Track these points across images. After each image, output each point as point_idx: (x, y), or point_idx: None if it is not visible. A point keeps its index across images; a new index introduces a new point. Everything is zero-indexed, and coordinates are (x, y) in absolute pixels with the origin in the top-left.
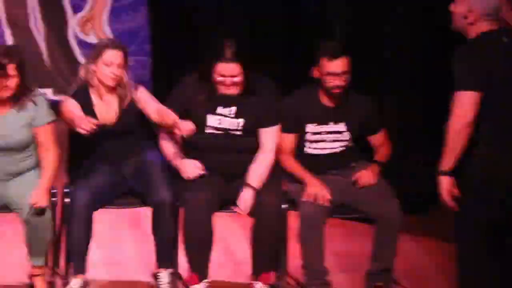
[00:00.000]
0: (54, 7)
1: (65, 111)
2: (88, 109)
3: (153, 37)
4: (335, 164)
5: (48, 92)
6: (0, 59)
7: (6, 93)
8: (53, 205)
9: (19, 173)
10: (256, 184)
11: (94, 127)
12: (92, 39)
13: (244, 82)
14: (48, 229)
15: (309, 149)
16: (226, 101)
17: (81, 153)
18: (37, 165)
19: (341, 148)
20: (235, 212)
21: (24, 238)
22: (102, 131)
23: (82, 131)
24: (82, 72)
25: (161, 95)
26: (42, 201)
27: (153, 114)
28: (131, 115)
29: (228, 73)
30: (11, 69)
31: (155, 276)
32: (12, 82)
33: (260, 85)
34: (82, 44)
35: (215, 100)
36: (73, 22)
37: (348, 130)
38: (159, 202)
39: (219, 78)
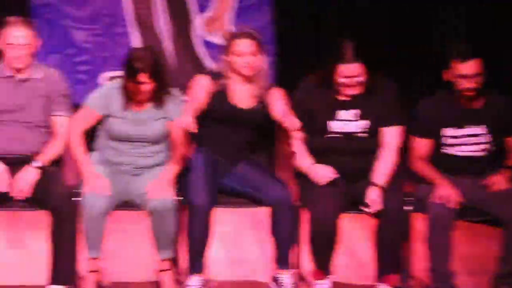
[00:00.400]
0: (179, 7)
1: (191, 89)
2: (223, 91)
3: (277, 37)
4: (472, 168)
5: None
6: (132, 64)
7: (142, 97)
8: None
9: (148, 168)
10: (382, 183)
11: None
12: (216, 39)
13: (365, 83)
14: (172, 221)
15: (447, 150)
16: (348, 105)
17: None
18: (167, 162)
19: (480, 152)
20: (362, 212)
21: (150, 232)
22: (229, 116)
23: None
24: (221, 65)
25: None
26: (162, 192)
27: (277, 114)
28: (263, 108)
29: (350, 74)
30: (143, 77)
31: (275, 279)
32: (146, 88)
33: (381, 84)
34: (206, 44)
35: (337, 105)
36: (198, 22)
37: (488, 132)
38: (275, 202)
39: (341, 79)
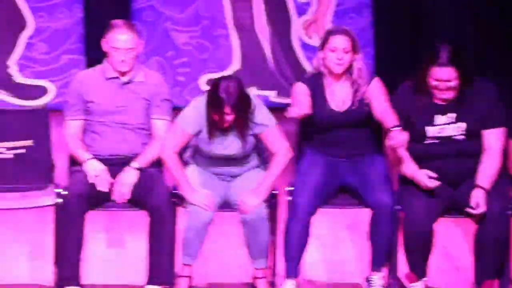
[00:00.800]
0: (279, 10)
1: (293, 96)
2: (320, 96)
3: (376, 40)
4: None
5: (271, 95)
6: (219, 95)
7: (225, 125)
8: (273, 206)
9: (243, 173)
10: (486, 185)
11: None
12: (315, 42)
13: (461, 86)
14: (265, 230)
15: None
16: (444, 109)
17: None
18: (262, 164)
19: None
20: (462, 216)
21: (244, 240)
22: (329, 121)
23: (294, 114)
24: (314, 61)
25: None
26: (256, 199)
27: (377, 112)
28: (363, 106)
29: (442, 77)
30: (227, 108)
31: (368, 280)
32: (229, 118)
33: (479, 87)
34: (305, 47)
35: (433, 110)
36: (297, 25)
37: None
38: (377, 205)
39: (434, 83)
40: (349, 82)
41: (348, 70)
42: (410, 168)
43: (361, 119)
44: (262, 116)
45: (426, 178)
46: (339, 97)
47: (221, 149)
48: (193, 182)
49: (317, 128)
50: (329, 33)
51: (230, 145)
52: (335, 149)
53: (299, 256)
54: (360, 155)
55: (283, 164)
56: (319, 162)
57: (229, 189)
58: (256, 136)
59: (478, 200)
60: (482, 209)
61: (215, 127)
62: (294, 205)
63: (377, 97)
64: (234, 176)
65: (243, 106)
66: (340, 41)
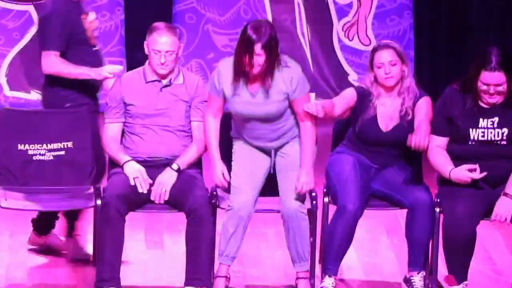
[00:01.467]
0: (320, 13)
1: (340, 95)
2: (367, 111)
3: (417, 41)
4: None
5: (311, 97)
6: (250, 35)
7: (255, 70)
8: (312, 209)
9: (279, 141)
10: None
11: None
12: (355, 44)
13: (507, 92)
14: (306, 233)
15: None
16: (488, 112)
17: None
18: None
19: None
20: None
21: (285, 242)
22: (375, 137)
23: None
24: (366, 81)
25: None
26: (308, 183)
27: (416, 129)
28: (407, 124)
29: (492, 82)
30: (258, 48)
31: (407, 280)
32: (260, 59)
33: None
34: (346, 49)
35: (478, 112)
36: (338, 27)
37: None
38: (416, 202)
39: (483, 87)
40: (399, 95)
41: (401, 85)
42: (447, 168)
43: (405, 137)
44: (298, 80)
45: (467, 172)
46: (387, 113)
47: (252, 109)
48: (236, 158)
49: (358, 140)
50: (374, 51)
51: (259, 104)
52: (372, 157)
53: (341, 257)
54: (391, 166)
55: (314, 135)
56: (357, 166)
57: (274, 165)
58: (288, 101)
59: (501, 208)
60: (504, 217)
61: (243, 74)
62: (342, 207)
63: (420, 115)
64: (276, 149)
65: (274, 47)
66: (385, 55)
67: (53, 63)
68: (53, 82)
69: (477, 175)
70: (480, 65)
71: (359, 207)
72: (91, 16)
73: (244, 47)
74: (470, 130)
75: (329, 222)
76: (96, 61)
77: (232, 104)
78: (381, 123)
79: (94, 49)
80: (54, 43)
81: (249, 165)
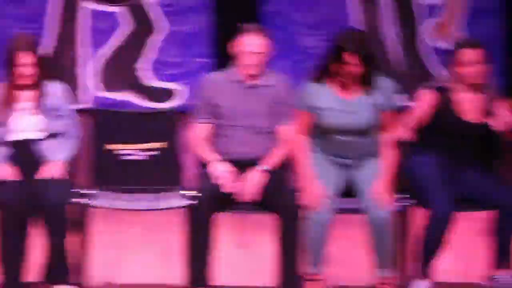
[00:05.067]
0: (407, 13)
1: (417, 102)
2: (449, 110)
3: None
4: None
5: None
6: (341, 45)
7: (349, 80)
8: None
9: (366, 157)
10: None
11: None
12: (445, 44)
13: None
14: (390, 235)
15: None
16: None
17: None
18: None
19: None
20: None
21: (370, 246)
22: (457, 133)
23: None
24: (447, 76)
25: None
26: (384, 194)
27: (500, 126)
28: (490, 120)
29: None
30: (352, 58)
31: (492, 279)
32: (354, 70)
33: None
34: (435, 50)
35: None
36: (426, 27)
37: None
38: (504, 204)
39: None
40: (480, 93)
41: (483, 81)
42: None
43: (486, 133)
44: (389, 93)
45: None
46: (469, 107)
47: (344, 119)
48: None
49: (439, 135)
50: (459, 47)
51: (353, 113)
52: (460, 155)
53: (434, 257)
54: (472, 166)
55: (396, 148)
56: (440, 168)
57: (351, 178)
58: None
59: None
60: None
61: (339, 85)
62: (434, 210)
63: (502, 112)
64: (354, 159)
65: (369, 57)
66: (470, 54)
67: None
68: None
69: None
70: None
71: (450, 208)
72: None
73: (338, 57)
74: None
75: (422, 226)
76: None
77: (321, 115)
78: (465, 116)
79: None
80: None
81: (326, 172)
